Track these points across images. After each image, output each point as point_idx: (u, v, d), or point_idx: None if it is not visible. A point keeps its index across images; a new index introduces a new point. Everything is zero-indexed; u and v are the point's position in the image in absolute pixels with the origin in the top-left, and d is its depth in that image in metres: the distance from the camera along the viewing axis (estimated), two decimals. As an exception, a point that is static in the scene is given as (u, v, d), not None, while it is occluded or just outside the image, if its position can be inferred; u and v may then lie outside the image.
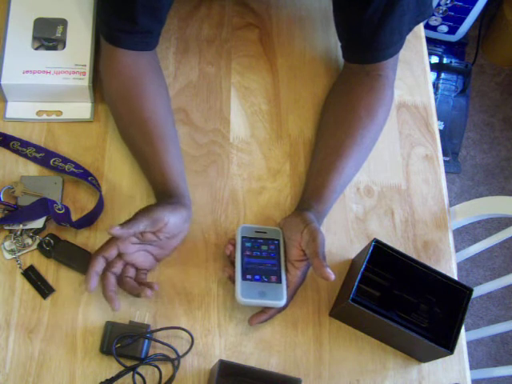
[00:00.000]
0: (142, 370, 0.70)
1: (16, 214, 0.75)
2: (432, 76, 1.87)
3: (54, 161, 0.79)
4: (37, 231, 0.75)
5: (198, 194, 0.82)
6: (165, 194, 0.75)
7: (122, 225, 0.67)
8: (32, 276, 0.73)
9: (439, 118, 1.82)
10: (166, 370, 0.71)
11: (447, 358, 0.76)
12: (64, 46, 0.83)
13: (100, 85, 0.86)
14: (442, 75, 1.88)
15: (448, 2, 1.84)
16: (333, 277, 0.68)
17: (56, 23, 0.84)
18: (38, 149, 0.80)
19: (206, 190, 0.83)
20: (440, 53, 1.93)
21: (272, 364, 0.73)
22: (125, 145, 0.82)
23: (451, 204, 0.88)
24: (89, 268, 0.68)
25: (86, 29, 0.84)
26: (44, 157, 0.80)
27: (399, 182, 0.87)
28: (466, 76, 1.88)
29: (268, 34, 0.95)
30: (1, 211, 0.76)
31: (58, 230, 0.76)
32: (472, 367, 0.79)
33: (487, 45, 2.07)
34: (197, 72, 0.91)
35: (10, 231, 0.75)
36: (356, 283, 0.70)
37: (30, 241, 0.75)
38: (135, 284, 0.71)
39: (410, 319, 0.76)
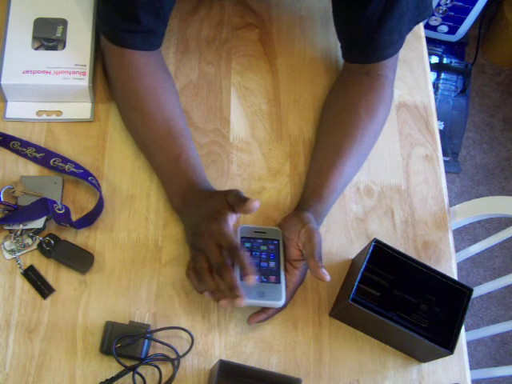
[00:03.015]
0: (142, 370, 0.70)
1: (16, 214, 0.75)
2: (432, 76, 1.87)
3: (54, 161, 0.79)
4: (37, 231, 0.75)
5: (198, 194, 0.81)
6: (199, 186, 0.75)
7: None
8: (32, 276, 0.73)
9: (439, 118, 1.82)
10: (166, 370, 0.71)
11: (447, 358, 0.76)
12: (64, 46, 0.83)
13: (100, 85, 0.86)
14: (442, 75, 1.88)
15: (448, 1, 1.84)
16: (328, 278, 0.68)
17: (56, 23, 0.84)
18: (38, 149, 0.80)
19: (206, 190, 0.82)
20: (440, 53, 1.93)
21: (272, 364, 0.73)
22: (124, 145, 0.83)
23: (451, 204, 0.88)
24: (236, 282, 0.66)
25: (86, 29, 0.84)
26: (44, 157, 0.80)
27: (399, 182, 0.87)
28: (465, 76, 1.88)
29: (268, 33, 0.95)
30: (1, 211, 0.76)
31: (58, 230, 0.76)
32: (472, 367, 0.79)
33: (487, 45, 2.07)
34: (197, 72, 0.91)
35: (10, 231, 0.75)
36: (356, 283, 0.70)
37: (29, 241, 0.75)
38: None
39: (410, 319, 0.76)
